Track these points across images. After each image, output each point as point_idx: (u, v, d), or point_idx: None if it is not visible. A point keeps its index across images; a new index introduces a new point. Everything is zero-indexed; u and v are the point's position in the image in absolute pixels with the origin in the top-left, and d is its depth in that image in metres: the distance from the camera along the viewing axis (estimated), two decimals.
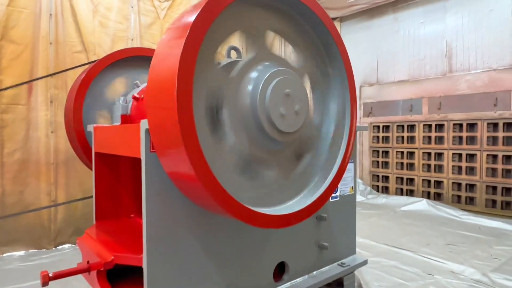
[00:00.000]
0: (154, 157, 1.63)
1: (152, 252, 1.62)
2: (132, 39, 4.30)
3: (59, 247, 3.79)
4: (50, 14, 3.74)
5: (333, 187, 1.83)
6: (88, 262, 1.86)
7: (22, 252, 3.60)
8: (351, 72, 1.91)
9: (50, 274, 1.72)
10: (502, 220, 4.57)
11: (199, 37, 1.29)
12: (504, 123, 4.90)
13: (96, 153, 2.25)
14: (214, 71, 1.45)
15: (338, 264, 2.56)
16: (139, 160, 2.35)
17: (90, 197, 3.95)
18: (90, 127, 2.32)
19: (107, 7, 4.15)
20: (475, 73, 5.20)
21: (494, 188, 5.01)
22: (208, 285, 1.82)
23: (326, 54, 1.89)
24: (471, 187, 5.25)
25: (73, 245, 3.86)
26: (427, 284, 2.83)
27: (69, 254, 3.59)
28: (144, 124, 1.59)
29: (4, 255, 3.51)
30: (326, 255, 2.49)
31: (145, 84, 2.49)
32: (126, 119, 2.39)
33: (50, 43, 3.74)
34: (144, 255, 1.61)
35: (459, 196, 5.38)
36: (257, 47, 1.60)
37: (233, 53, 1.91)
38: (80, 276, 2.94)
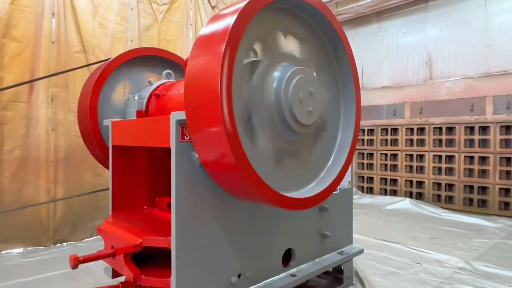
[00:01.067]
0: (183, 147, 1.77)
1: (180, 234, 1.75)
2: (131, 40, 4.39)
3: (58, 245, 3.80)
4: (53, 14, 3.79)
5: (341, 177, 2.03)
6: (112, 247, 1.96)
7: (20, 249, 3.60)
8: (356, 73, 2.12)
9: (80, 258, 1.81)
10: (479, 216, 4.92)
11: (236, 41, 1.45)
12: (479, 127, 5.29)
13: (113, 146, 2.35)
14: (243, 73, 1.62)
15: (338, 253, 2.75)
16: (154, 154, 2.48)
17: (88, 193, 4.00)
18: (107, 122, 2.42)
19: (107, 8, 4.24)
20: (453, 80, 5.59)
21: (471, 187, 5.37)
22: (226, 267, 1.96)
23: (334, 56, 2.10)
24: (450, 186, 5.60)
25: (71, 242, 3.89)
26: (417, 271, 3.07)
27: (68, 252, 3.60)
28: (174, 116, 1.74)
29: (2, 252, 3.50)
30: (327, 244, 2.68)
31: (160, 82, 2.63)
32: (141, 114, 2.51)
33: (52, 42, 3.79)
34: (173, 237, 1.74)
35: (439, 195, 5.72)
36: (274, 48, 1.78)
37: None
38: (87, 269, 3.01)
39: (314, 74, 1.94)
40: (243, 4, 1.49)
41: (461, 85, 5.49)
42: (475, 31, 5.40)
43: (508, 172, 5.04)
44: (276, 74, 1.69)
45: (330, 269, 2.79)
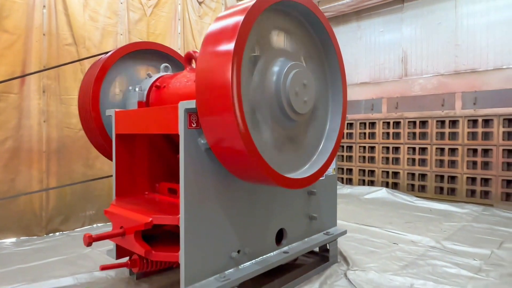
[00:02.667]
0: (190, 133, 1.95)
1: (188, 212, 1.94)
2: (121, 34, 4.47)
3: (50, 234, 3.87)
4: (44, 6, 3.82)
5: (330, 160, 2.26)
6: (121, 227, 2.11)
7: (13, 239, 3.65)
8: (343, 68, 2.36)
9: (94, 236, 1.95)
10: (449, 203, 5.33)
11: (244, 37, 1.65)
12: (449, 121, 5.71)
13: (117, 135, 2.49)
14: (247, 68, 1.81)
15: (324, 233, 3.01)
16: (154, 143, 2.63)
17: (79, 182, 4.07)
18: (109, 112, 2.55)
19: (97, 1, 4.29)
20: (426, 77, 5.98)
21: (442, 177, 5.80)
22: (227, 243, 2.17)
23: (323, 50, 2.33)
24: (423, 176, 6.02)
25: (64, 232, 3.96)
26: (394, 250, 3.37)
27: (62, 241, 3.69)
28: (183, 105, 1.91)
29: None
30: (314, 225, 2.93)
31: (159, 75, 2.78)
32: (142, 105, 2.65)
33: (44, 34, 3.83)
34: (182, 215, 1.92)
35: (413, 185, 6.13)
36: (271, 45, 1.98)
37: None
38: (84, 255, 3.12)
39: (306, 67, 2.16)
40: (250, 4, 1.68)
41: (433, 82, 5.89)
42: (446, 32, 5.80)
43: (474, 163, 5.48)
44: (275, 68, 1.89)
45: (317, 249, 3.05)
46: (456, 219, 4.61)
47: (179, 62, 3.17)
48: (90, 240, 1.94)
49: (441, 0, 5.83)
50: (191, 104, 1.89)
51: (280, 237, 2.62)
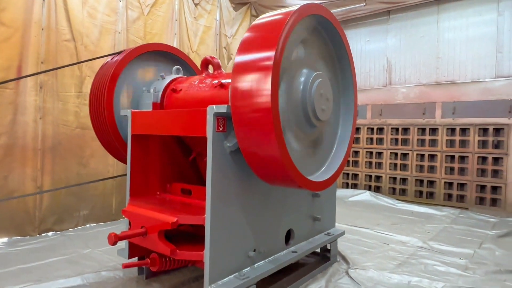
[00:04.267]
0: (218, 136, 2.03)
1: (214, 212, 2.01)
2: (119, 32, 4.43)
3: (43, 234, 3.77)
4: (43, 0, 3.74)
5: (344, 163, 2.41)
6: (143, 227, 2.15)
7: (5, 239, 3.53)
8: (355, 75, 2.51)
9: (119, 235, 1.98)
10: (428, 206, 5.66)
11: (282, 51, 1.75)
12: (430, 128, 6.06)
13: (133, 135, 2.51)
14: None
15: (325, 234, 3.16)
16: (167, 144, 2.67)
17: (77, 185, 4.00)
18: (125, 112, 2.57)
19: None
20: (409, 87, 6.32)
21: (421, 181, 6.14)
22: (245, 243, 2.25)
23: (337, 61, 2.47)
24: (403, 180, 6.34)
25: (57, 232, 3.87)
26: (386, 250, 3.58)
27: (58, 241, 3.61)
28: (212, 109, 1.98)
29: None
30: (317, 226, 3.07)
31: (172, 76, 2.82)
32: (156, 106, 2.68)
33: (42, 29, 3.74)
34: (208, 215, 1.99)
35: (394, 188, 6.44)
36: (297, 55, 2.10)
37: None
38: (86, 255, 3.09)
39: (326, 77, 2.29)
40: (288, 15, 1.79)
41: (415, 91, 6.23)
42: (428, 44, 6.15)
43: (451, 168, 5.85)
44: (302, 78, 2.01)
45: (318, 249, 3.19)
46: (436, 221, 4.91)
47: (187, 64, 3.21)
48: (115, 240, 1.97)
49: (425, 15, 6.18)
50: (220, 108, 1.97)
51: (288, 237, 2.73)
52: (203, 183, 2.94)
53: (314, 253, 3.22)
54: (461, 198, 5.79)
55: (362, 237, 3.99)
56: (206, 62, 2.63)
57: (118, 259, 3.03)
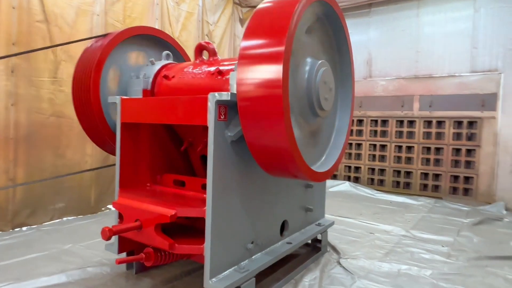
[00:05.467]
0: (219, 125, 1.94)
1: (215, 204, 1.94)
2: (97, 15, 4.17)
3: (17, 229, 3.53)
4: None
5: (342, 153, 2.40)
6: (137, 220, 2.03)
7: None
8: (353, 65, 2.49)
9: (113, 229, 1.86)
10: (405, 196, 5.84)
11: (291, 39, 1.68)
12: (408, 121, 6.23)
13: (122, 124, 2.36)
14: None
15: (316, 224, 3.17)
16: (156, 133, 2.55)
17: (57, 177, 3.77)
18: (113, 99, 2.41)
19: None
20: (388, 80, 6.44)
21: (399, 172, 6.33)
22: (243, 235, 2.20)
23: (337, 49, 2.44)
24: (382, 171, 6.50)
25: (32, 226, 3.63)
26: (373, 239, 3.65)
27: (34, 236, 3.39)
28: (213, 96, 1.89)
29: None
30: (309, 216, 3.06)
31: (164, 62, 2.68)
32: (147, 93, 2.54)
33: (13, 8, 3.44)
34: (209, 207, 1.92)
35: (372, 179, 6.60)
36: (301, 43, 2.04)
37: None
38: (67, 251, 2.92)
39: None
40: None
41: (394, 84, 6.37)
42: (408, 38, 6.28)
43: (427, 160, 6.06)
44: (307, 67, 1.95)
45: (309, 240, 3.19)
46: (414, 210, 5.08)
47: (175, 49, 3.07)
48: (110, 234, 1.85)
49: (406, 8, 6.29)
50: (223, 96, 1.88)
51: (282, 228, 2.71)
52: (193, 174, 2.86)
53: (305, 243, 3.22)
54: (435, 188, 6.02)
55: (347, 227, 4.05)
56: (200, 48, 2.51)
57: (104, 254, 2.89)
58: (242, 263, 2.17)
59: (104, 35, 2.68)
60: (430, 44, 6.09)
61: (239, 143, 2.07)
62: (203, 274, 2.58)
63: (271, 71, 1.65)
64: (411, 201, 5.59)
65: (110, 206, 4.41)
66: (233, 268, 2.10)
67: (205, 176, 2.71)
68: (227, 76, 2.23)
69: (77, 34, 3.96)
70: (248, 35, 1.77)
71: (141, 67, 2.72)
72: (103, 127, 2.52)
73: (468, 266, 3.00)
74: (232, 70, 2.24)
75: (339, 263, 2.94)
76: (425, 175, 6.09)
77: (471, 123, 5.73)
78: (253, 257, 2.29)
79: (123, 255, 2.47)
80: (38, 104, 3.69)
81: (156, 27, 4.79)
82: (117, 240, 2.39)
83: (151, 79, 2.56)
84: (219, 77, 2.25)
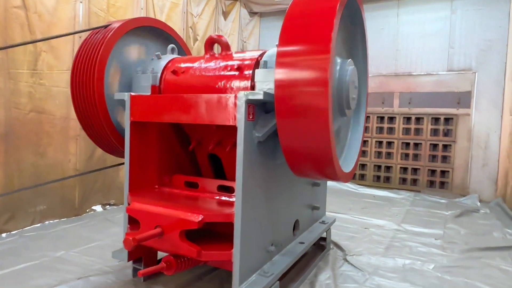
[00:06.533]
0: (249, 126, 1.85)
1: (245, 208, 1.86)
2: (81, 2, 3.86)
3: None
4: None
5: (360, 153, 2.40)
6: (157, 226, 1.90)
7: None
8: (368, 64, 2.49)
9: (137, 238, 1.73)
10: (386, 190, 6.04)
11: (335, 34, 1.63)
12: (388, 117, 6.42)
13: (132, 123, 2.20)
14: None
15: (320, 222, 3.17)
16: (164, 132, 2.42)
17: (45, 183, 3.48)
18: (121, 95, 2.23)
19: None
20: (370, 77, 6.56)
21: (379, 166, 6.52)
22: (266, 237, 2.14)
23: (355, 47, 2.42)
24: (363, 166, 6.67)
25: (11, 232, 3.32)
26: (370, 234, 3.72)
27: (18, 243, 3.09)
28: (244, 95, 1.80)
29: None
30: (314, 215, 3.06)
31: (170, 56, 2.52)
32: (155, 89, 2.38)
33: None
34: (238, 211, 1.83)
35: (354, 174, 6.74)
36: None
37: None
38: (59, 259, 2.70)
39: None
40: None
41: (376, 81, 6.52)
42: (388, 37, 6.45)
43: (406, 154, 6.29)
44: (337, 67, 1.91)
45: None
46: (398, 204, 5.25)
47: (178, 43, 2.91)
48: (134, 243, 1.70)
49: (386, 8, 6.45)
50: (256, 95, 1.79)
51: (293, 228, 2.67)
52: (199, 174, 2.74)
53: None
54: (414, 181, 6.28)
55: (342, 223, 4.10)
56: (211, 41, 2.38)
57: (103, 261, 2.71)
58: (264, 266, 2.11)
59: (105, 26, 2.46)
60: (409, 43, 6.30)
61: (264, 144, 2.00)
62: (214, 278, 2.53)
63: (316, 72, 1.59)
64: (393, 195, 5.78)
65: (95, 208, 4.16)
66: (257, 272, 2.03)
67: (212, 176, 2.64)
68: (246, 73, 2.14)
69: (59, 23, 3.66)
70: (288, 30, 1.69)
71: (145, 62, 2.54)
72: (108, 126, 2.33)
73: (464, 258, 3.13)
74: (250, 65, 2.15)
75: (346, 260, 2.97)
76: (404, 169, 6.33)
77: (447, 120, 6.01)
78: (273, 259, 2.24)
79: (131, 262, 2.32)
80: (16, 98, 3.36)
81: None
82: None
83: (159, 75, 2.40)
84: (237, 73, 2.15)
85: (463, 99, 5.87)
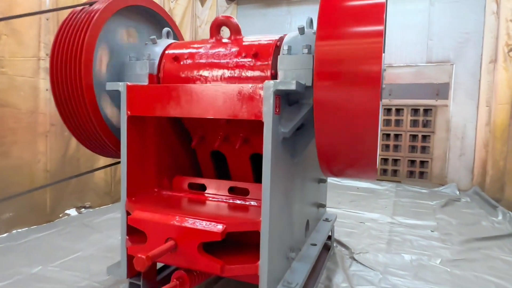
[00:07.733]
0: (276, 120, 1.62)
1: (273, 215, 1.64)
2: None
3: None
4: None
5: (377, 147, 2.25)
6: (169, 239, 1.63)
7: None
8: None
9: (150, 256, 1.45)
10: (367, 181, 6.05)
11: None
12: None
13: (129, 118, 1.88)
14: None
15: (324, 220, 3.01)
16: (162, 130, 2.14)
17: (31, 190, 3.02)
18: (114, 85, 1.90)
19: None
20: None
21: None
22: (286, 243, 1.94)
23: None
24: None
25: None
26: (367, 228, 3.64)
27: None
28: (271, 85, 1.57)
29: None
30: (318, 213, 2.90)
31: (166, 41, 2.22)
32: (153, 78, 2.07)
33: None
34: (266, 219, 1.61)
35: None
36: None
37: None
38: (36, 276, 2.34)
39: None
40: None
41: None
42: None
43: (387, 146, 6.34)
44: None
45: None
46: (383, 195, 5.26)
47: (170, 26, 2.58)
48: (148, 263, 1.42)
49: None
50: (285, 84, 1.56)
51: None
52: (200, 174, 2.47)
53: None
54: (394, 172, 6.35)
55: (337, 218, 3.99)
56: (219, 23, 2.09)
57: (89, 276, 2.37)
58: (286, 276, 1.91)
59: (90, 4, 2.09)
60: (389, 34, 6.27)
61: (287, 141, 1.78)
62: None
63: (369, 62, 1.40)
64: (375, 186, 5.80)
65: (69, 212, 3.73)
66: (281, 283, 1.82)
67: (213, 176, 2.38)
68: (265, 60, 1.89)
69: (23, 2, 3.16)
70: (331, 15, 1.47)
71: (138, 47, 2.21)
72: (98, 123, 1.99)
73: (465, 250, 3.13)
74: (269, 52, 1.91)
75: (354, 259, 2.84)
76: (385, 160, 6.38)
77: (427, 111, 6.11)
78: (292, 267, 2.04)
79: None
80: None
81: None
82: (125, 261, 1.93)
83: (157, 62, 2.08)
84: (253, 60, 1.90)
85: (442, 90, 5.98)
